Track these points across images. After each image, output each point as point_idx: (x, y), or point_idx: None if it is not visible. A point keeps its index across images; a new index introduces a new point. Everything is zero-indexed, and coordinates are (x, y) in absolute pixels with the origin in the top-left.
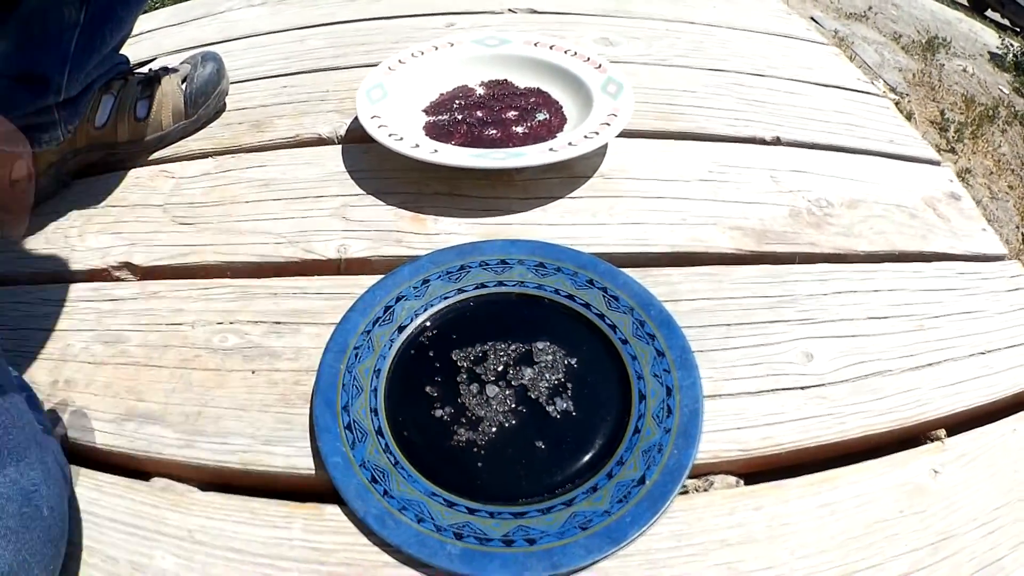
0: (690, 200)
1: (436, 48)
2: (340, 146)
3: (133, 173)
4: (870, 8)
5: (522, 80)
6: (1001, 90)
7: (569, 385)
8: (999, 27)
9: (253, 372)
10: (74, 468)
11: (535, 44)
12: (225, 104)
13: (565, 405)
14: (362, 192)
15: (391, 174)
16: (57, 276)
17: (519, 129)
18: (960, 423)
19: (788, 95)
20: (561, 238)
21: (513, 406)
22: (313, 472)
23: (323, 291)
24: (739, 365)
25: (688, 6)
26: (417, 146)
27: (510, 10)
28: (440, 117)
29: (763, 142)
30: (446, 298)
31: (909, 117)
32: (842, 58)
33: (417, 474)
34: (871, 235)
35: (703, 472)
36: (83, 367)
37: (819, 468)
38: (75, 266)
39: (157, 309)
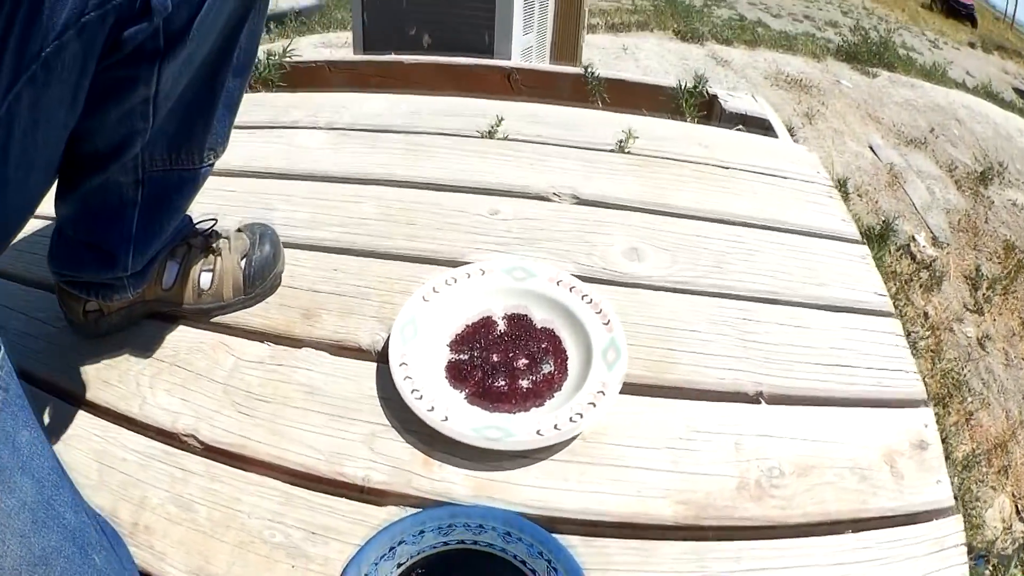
0: (651, 471)
1: (468, 276)
2: (376, 364)
3: (197, 337)
4: (932, 131)
5: (540, 314)
6: None
7: None
8: None
9: (293, 567)
10: None
11: (557, 283)
12: (281, 279)
13: None
14: (387, 424)
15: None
16: (132, 421)
17: (524, 383)
18: None
19: (791, 330)
20: (534, 500)
21: None
22: None
23: (348, 515)
24: None
25: (729, 192)
26: (432, 409)
27: (555, 194)
28: (461, 356)
29: (745, 397)
30: (434, 548)
31: (943, 276)
32: (868, 262)
33: None
34: (809, 506)
35: None
36: (160, 520)
37: None
38: (147, 420)
39: (220, 491)
